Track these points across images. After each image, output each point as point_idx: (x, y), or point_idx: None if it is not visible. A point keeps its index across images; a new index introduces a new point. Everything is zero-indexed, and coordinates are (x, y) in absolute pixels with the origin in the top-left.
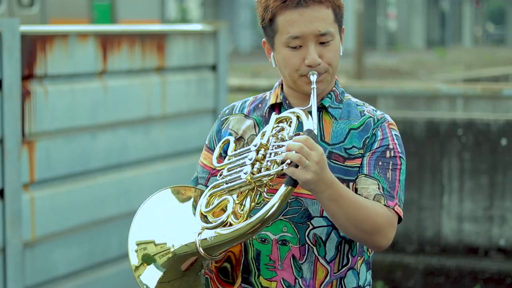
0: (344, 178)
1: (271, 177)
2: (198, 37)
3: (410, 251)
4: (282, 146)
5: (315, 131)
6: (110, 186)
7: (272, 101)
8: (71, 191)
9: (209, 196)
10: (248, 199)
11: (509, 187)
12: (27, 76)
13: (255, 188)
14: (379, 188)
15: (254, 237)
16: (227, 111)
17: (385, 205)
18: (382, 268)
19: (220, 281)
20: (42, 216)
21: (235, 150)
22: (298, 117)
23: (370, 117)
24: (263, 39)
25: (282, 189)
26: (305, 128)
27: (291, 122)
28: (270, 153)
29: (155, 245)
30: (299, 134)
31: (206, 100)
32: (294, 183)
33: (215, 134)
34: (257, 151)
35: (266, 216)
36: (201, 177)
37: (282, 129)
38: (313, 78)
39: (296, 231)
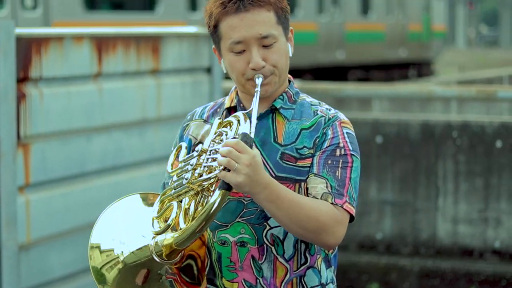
0: (296, 178)
1: (211, 181)
2: (193, 40)
3: (405, 253)
4: (217, 151)
5: (252, 134)
6: (105, 188)
7: (227, 105)
8: (66, 193)
9: (160, 203)
10: (193, 203)
11: (504, 189)
12: (23, 78)
13: (199, 192)
14: (327, 187)
15: (214, 240)
16: (188, 117)
17: (332, 203)
18: (377, 270)
19: (185, 283)
20: (37, 219)
21: (184, 156)
22: (238, 121)
23: (322, 116)
24: (213, 46)
25: (216, 194)
26: (240, 132)
27: (232, 126)
28: (207, 158)
29: (101, 252)
30: (234, 137)
31: (201, 103)
32: (227, 186)
33: (178, 141)
34: (199, 156)
35: (193, 228)
36: (167, 182)
37: (221, 134)
38: (258, 81)
39: (253, 232)
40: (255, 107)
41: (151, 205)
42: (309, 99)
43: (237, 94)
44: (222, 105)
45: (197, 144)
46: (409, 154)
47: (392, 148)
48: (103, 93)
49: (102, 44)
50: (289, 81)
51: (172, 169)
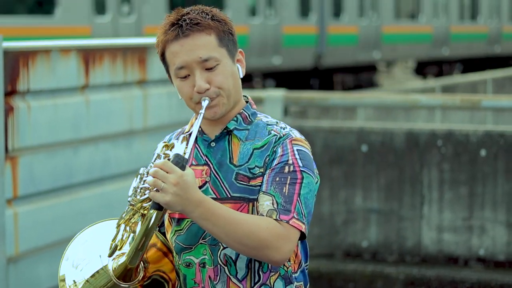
0: (249, 197)
1: (147, 203)
2: None
3: (390, 261)
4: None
5: (186, 155)
6: (93, 199)
7: (187, 129)
8: (54, 205)
9: (116, 228)
10: (139, 224)
11: (488, 197)
12: (10, 92)
13: (144, 215)
14: (273, 203)
15: (180, 262)
16: (159, 143)
17: (276, 219)
18: (362, 278)
19: None
20: (25, 231)
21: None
22: (181, 141)
23: (275, 135)
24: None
25: (149, 214)
26: (174, 152)
27: (173, 148)
28: (144, 180)
29: (62, 280)
30: (169, 158)
31: (188, 113)
32: (157, 206)
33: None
34: (141, 178)
35: (135, 246)
36: None
37: (167, 155)
38: (204, 103)
39: (211, 252)
40: (195, 129)
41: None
42: (266, 119)
43: (196, 118)
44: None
45: None
46: (394, 163)
47: (377, 156)
48: (90, 105)
49: (89, 56)
50: (247, 101)
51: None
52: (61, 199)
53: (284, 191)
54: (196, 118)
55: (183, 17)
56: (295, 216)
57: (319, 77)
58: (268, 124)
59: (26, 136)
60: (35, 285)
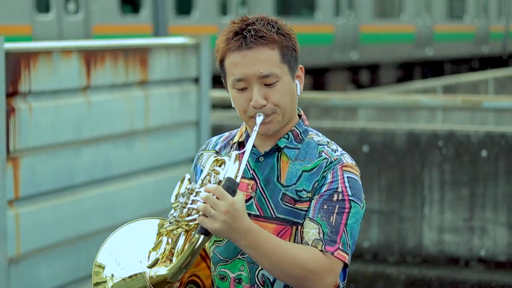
0: (294, 220)
1: (194, 222)
2: (180, 50)
3: (391, 262)
4: (199, 194)
5: (238, 178)
6: (94, 200)
7: (236, 139)
8: (55, 206)
9: (157, 235)
10: (182, 239)
11: (489, 198)
12: (12, 93)
13: (188, 231)
14: (319, 233)
15: (215, 274)
16: (203, 146)
17: (321, 250)
18: (363, 279)
19: None
20: (27, 232)
21: (179, 191)
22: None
23: (326, 158)
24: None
25: (195, 238)
26: (227, 175)
27: (224, 166)
28: (192, 200)
29: (99, 272)
30: (220, 180)
31: (189, 113)
32: (205, 231)
33: (193, 169)
34: (189, 195)
35: (179, 264)
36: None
37: (216, 172)
38: (258, 119)
39: (249, 270)
40: (248, 148)
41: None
42: (317, 138)
43: (246, 128)
44: (234, 137)
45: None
46: (395, 163)
47: (378, 157)
48: (91, 106)
49: (90, 57)
50: (300, 117)
51: (175, 199)
52: (62, 200)
53: (331, 220)
54: (247, 129)
55: (248, 27)
56: (340, 247)
57: None
58: (319, 144)
59: (28, 137)
60: (36, 286)
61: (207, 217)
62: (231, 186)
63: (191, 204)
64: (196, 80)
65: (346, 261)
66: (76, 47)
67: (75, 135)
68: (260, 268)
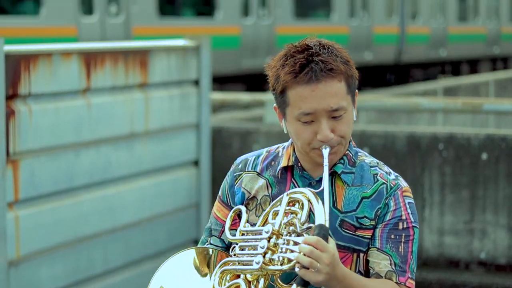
0: (355, 247)
1: (282, 272)
2: (180, 53)
3: None
4: (291, 240)
5: (327, 223)
6: (94, 202)
7: (284, 163)
8: (55, 208)
9: (221, 273)
10: (262, 280)
11: (490, 201)
12: (12, 95)
13: (267, 273)
14: (391, 264)
15: None
16: (240, 165)
17: (396, 282)
18: None
19: None
20: (26, 235)
21: (247, 222)
22: (309, 201)
23: (384, 183)
24: (274, 105)
25: None
26: (316, 222)
27: (302, 206)
28: (282, 248)
29: None
30: (310, 226)
31: (189, 115)
32: (305, 283)
33: (228, 188)
34: (269, 239)
35: None
36: (214, 229)
37: (294, 213)
38: (325, 152)
39: None
40: (326, 186)
41: (207, 265)
42: (368, 159)
43: (293, 150)
44: (276, 157)
45: (251, 199)
46: (395, 166)
47: (378, 159)
48: (91, 108)
49: (90, 59)
50: (349, 142)
51: (231, 235)
52: (62, 202)
53: (400, 250)
54: (294, 150)
55: (315, 59)
56: (409, 275)
57: None
58: (371, 166)
59: (28, 140)
60: (37, 287)
61: (307, 268)
62: (325, 234)
63: (283, 251)
64: (197, 83)
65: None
66: (76, 49)
67: (75, 138)
68: None
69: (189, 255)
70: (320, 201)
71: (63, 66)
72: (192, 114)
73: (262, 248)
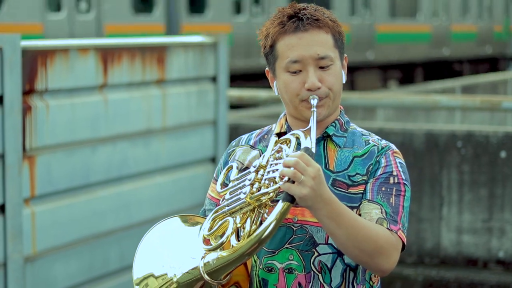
0: (348, 205)
1: (270, 195)
2: (198, 49)
3: (409, 262)
4: (279, 163)
5: (313, 149)
6: (110, 199)
7: (277, 130)
8: (71, 205)
9: (211, 220)
10: (249, 220)
11: (508, 199)
12: (28, 91)
13: (256, 209)
14: (382, 212)
15: (260, 267)
16: (233, 143)
17: (387, 228)
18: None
19: None
20: (42, 231)
21: (237, 175)
22: (297, 138)
23: (375, 145)
24: (266, 68)
25: (279, 206)
26: (302, 146)
27: (289, 143)
28: (268, 171)
29: (156, 278)
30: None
31: (206, 112)
32: (291, 198)
33: (222, 167)
34: (257, 172)
35: (264, 235)
36: (208, 209)
37: (280, 150)
38: (314, 102)
39: (301, 258)
40: (313, 125)
41: (194, 224)
42: (359, 129)
43: (286, 120)
44: (269, 131)
45: (244, 169)
46: (413, 164)
47: None
48: (108, 104)
49: (107, 55)
50: (340, 110)
51: (221, 189)
52: (78, 198)
53: (391, 201)
54: (286, 120)
55: (302, 11)
56: (401, 227)
57: None
58: (363, 134)
59: (44, 135)
60: (52, 284)
61: (293, 183)
62: (311, 156)
63: (268, 175)
64: (214, 79)
65: (405, 242)
66: (93, 45)
67: (91, 134)
68: (316, 255)
69: (175, 221)
70: (308, 136)
71: (80, 61)
72: (209, 111)
73: (249, 180)
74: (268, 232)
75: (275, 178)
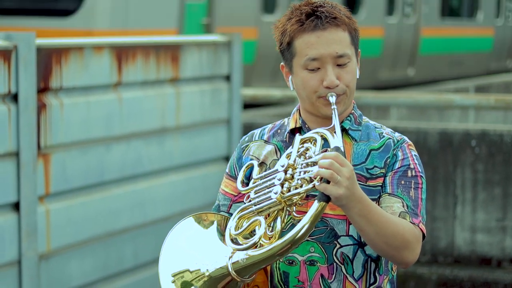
0: (369, 197)
1: (302, 195)
2: (212, 48)
3: (423, 261)
4: (311, 164)
5: (342, 148)
6: (124, 197)
7: (291, 126)
8: (86, 203)
9: (238, 219)
10: (279, 219)
11: None
12: (43, 89)
13: (285, 208)
14: (403, 206)
15: (281, 260)
16: (246, 138)
17: (410, 222)
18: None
19: None
20: (57, 228)
21: (260, 174)
22: (322, 136)
23: (390, 138)
24: (281, 63)
25: (315, 206)
26: (332, 146)
27: (315, 142)
28: (300, 172)
29: (190, 272)
30: (326, 151)
31: (220, 111)
32: (327, 199)
33: (235, 162)
34: (285, 171)
35: (298, 235)
36: (222, 204)
37: (307, 149)
38: (332, 99)
39: (323, 250)
40: (337, 123)
41: (210, 223)
42: (371, 122)
43: (300, 115)
44: (282, 126)
45: (261, 165)
46: (427, 163)
47: None
48: (122, 103)
49: (122, 53)
50: (353, 104)
51: (242, 187)
52: (93, 196)
53: (410, 194)
54: (300, 114)
55: (319, 9)
56: (421, 220)
57: None
58: (376, 127)
59: (59, 133)
60: (66, 282)
61: (328, 183)
62: (342, 155)
63: (301, 175)
64: (228, 78)
65: (425, 233)
66: (107, 43)
67: (106, 132)
68: (338, 246)
69: (192, 221)
70: (334, 134)
71: (95, 60)
72: (223, 110)
73: (279, 180)
74: (302, 233)
75: (307, 178)
